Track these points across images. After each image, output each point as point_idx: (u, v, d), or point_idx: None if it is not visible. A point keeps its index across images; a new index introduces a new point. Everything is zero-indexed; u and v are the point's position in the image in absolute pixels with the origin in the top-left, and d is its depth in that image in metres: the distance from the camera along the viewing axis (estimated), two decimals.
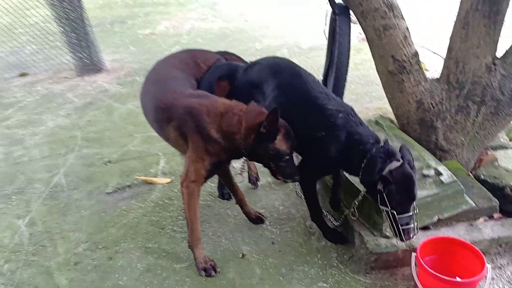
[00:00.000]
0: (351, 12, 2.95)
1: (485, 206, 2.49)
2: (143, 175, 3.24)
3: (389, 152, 2.10)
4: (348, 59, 2.92)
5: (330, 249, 2.50)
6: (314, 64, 4.94)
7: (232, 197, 2.77)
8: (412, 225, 2.09)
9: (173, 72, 2.60)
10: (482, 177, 2.67)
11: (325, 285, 2.29)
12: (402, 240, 2.11)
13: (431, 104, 2.83)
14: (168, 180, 3.17)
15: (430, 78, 2.93)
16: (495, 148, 3.02)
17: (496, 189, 2.58)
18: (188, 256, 2.49)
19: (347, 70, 2.93)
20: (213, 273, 2.35)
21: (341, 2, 2.96)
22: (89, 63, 5.14)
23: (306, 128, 2.25)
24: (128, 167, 3.35)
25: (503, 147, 3.02)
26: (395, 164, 2.07)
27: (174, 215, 2.83)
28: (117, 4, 8.60)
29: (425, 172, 2.51)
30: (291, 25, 6.64)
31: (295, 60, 5.31)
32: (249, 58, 5.10)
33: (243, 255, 2.49)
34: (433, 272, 2.01)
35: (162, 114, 2.39)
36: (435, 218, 2.40)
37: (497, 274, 2.31)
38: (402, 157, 2.11)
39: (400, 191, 2.04)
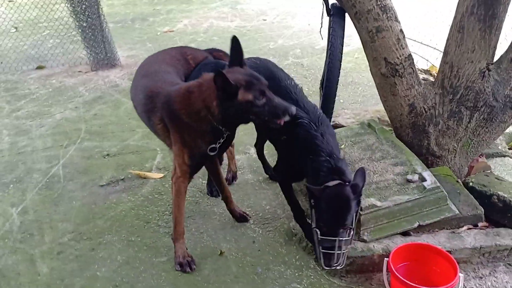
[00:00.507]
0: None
1: (469, 214, 2.43)
2: (138, 169, 3.30)
3: (334, 168, 2.05)
4: (340, 61, 2.89)
5: (310, 250, 2.48)
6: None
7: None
8: (336, 252, 2.00)
9: (163, 66, 2.63)
10: (470, 184, 2.60)
11: (299, 286, 2.28)
12: (322, 264, 2.07)
13: (424, 108, 2.77)
14: (161, 175, 3.22)
15: (425, 82, 2.87)
16: (492, 156, 2.94)
17: (483, 197, 2.51)
18: (168, 251, 2.53)
19: (338, 72, 2.89)
20: (188, 269, 2.38)
21: (336, 2, 2.94)
22: (103, 59, 5.26)
23: (274, 129, 2.25)
24: (124, 161, 3.42)
25: (500, 155, 2.94)
26: (333, 182, 2.01)
27: (161, 210, 2.87)
28: (141, 1, 8.75)
29: (409, 177, 2.47)
30: (309, 26, 6.61)
31: (306, 60, 5.40)
32: (262, 57, 5.16)
33: (221, 253, 2.51)
34: (402, 278, 1.98)
35: (148, 103, 2.41)
36: (416, 224, 2.36)
37: (477, 284, 2.25)
38: (351, 179, 2.05)
39: (327, 210, 1.99)
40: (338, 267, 2.08)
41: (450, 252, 2.25)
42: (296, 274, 2.35)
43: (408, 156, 2.64)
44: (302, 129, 2.12)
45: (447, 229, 2.42)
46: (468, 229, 2.40)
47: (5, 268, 2.47)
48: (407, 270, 2.16)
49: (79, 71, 5.16)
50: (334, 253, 1.99)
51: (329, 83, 2.87)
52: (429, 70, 4.72)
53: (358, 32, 2.86)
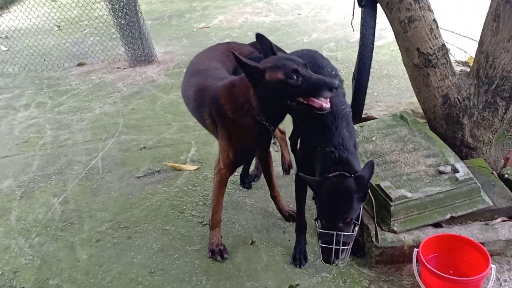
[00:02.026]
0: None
1: (504, 206, 2.37)
2: (173, 161, 3.40)
3: (339, 159, 1.99)
4: (372, 53, 2.88)
5: None
6: None
7: (253, 185, 2.83)
8: (334, 247, 1.93)
9: (213, 63, 2.65)
10: (506, 176, 2.54)
11: (328, 275, 2.31)
12: (321, 259, 2.01)
13: (458, 99, 2.72)
14: (195, 167, 3.31)
15: (459, 72, 2.81)
16: None
17: None
18: (201, 240, 2.61)
19: (370, 63, 2.88)
20: (219, 258, 2.44)
21: None
22: (141, 55, 5.40)
23: (299, 115, 2.27)
24: (160, 154, 3.52)
25: None
26: (335, 174, 1.95)
27: (195, 201, 2.96)
28: None
29: (441, 168, 2.43)
30: (344, 19, 6.55)
31: (340, 53, 5.37)
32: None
33: (252, 242, 2.57)
34: (432, 269, 1.97)
35: (198, 99, 2.43)
36: (448, 216, 2.33)
37: (511, 277, 2.20)
38: (357, 171, 1.97)
39: (326, 202, 1.94)
40: (340, 264, 2.02)
41: (483, 244, 2.21)
42: (326, 264, 2.36)
43: (441, 148, 2.60)
44: (318, 120, 2.11)
45: (480, 221, 2.38)
46: (502, 221, 2.35)
47: (47, 255, 2.62)
48: (437, 261, 2.15)
49: (118, 67, 5.33)
50: (332, 248, 1.92)
51: (360, 75, 2.87)
52: (467, 62, 4.60)
53: (390, 23, 2.84)
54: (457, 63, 4.71)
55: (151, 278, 2.40)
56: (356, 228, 2.01)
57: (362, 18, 2.90)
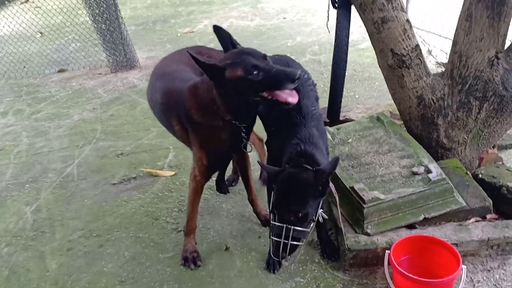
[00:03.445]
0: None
1: (477, 206, 2.36)
2: (150, 167, 3.35)
3: (303, 152, 1.95)
4: (346, 54, 2.86)
5: (315, 245, 2.46)
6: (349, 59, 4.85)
7: (231, 189, 2.77)
8: (282, 241, 1.87)
9: (180, 66, 2.56)
10: (480, 176, 2.52)
11: (302, 280, 2.27)
12: (271, 252, 1.95)
13: (432, 100, 2.71)
14: (172, 173, 3.26)
15: (434, 73, 2.80)
16: (505, 148, 2.85)
17: (493, 189, 2.42)
18: (174, 247, 2.56)
19: (345, 65, 2.86)
20: (192, 265, 2.39)
21: None
22: (122, 60, 5.35)
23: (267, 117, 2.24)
24: (137, 160, 3.47)
25: None
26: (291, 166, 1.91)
27: (170, 207, 2.91)
28: (163, 3, 8.83)
29: (415, 169, 2.42)
30: (329, 23, 6.56)
31: (323, 56, 5.35)
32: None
33: (226, 248, 2.52)
34: (403, 271, 1.94)
35: (165, 104, 2.35)
36: (421, 217, 2.31)
37: (484, 277, 2.18)
38: (319, 165, 1.93)
39: (280, 194, 1.89)
40: (289, 261, 1.97)
41: (456, 245, 2.20)
42: (300, 269, 2.33)
43: (416, 149, 2.58)
44: (287, 119, 2.08)
45: (454, 221, 2.36)
46: (476, 221, 2.33)
47: (16, 265, 2.55)
48: (409, 263, 2.12)
49: (99, 73, 5.27)
50: (280, 241, 1.86)
51: (335, 77, 2.85)
52: None
53: (364, 24, 2.82)
54: (438, 65, 4.72)
55: None
56: (312, 225, 1.96)
57: (336, 19, 2.88)
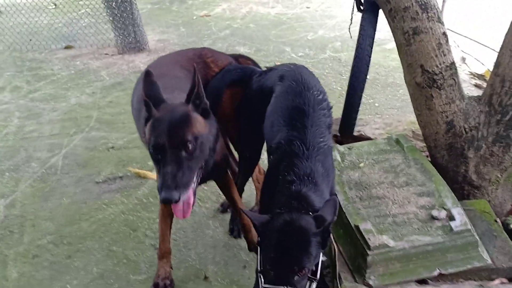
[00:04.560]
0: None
1: (504, 266, 1.98)
2: (140, 166, 3.05)
3: (297, 193, 1.59)
4: (368, 66, 2.48)
5: None
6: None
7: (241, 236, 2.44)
8: None
9: (175, 70, 2.26)
10: (511, 226, 2.13)
11: None
12: None
13: (464, 128, 2.31)
14: None
15: (469, 96, 2.40)
16: None
17: None
18: (148, 269, 2.27)
19: (365, 78, 2.48)
20: None
21: None
22: (131, 42, 5.05)
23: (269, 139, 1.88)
24: (128, 156, 3.17)
25: None
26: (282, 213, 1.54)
27: (153, 217, 2.60)
28: None
29: (435, 213, 2.04)
30: (356, 17, 6.12)
31: (344, 54, 4.92)
32: (297, 48, 4.75)
33: (205, 277, 2.20)
34: None
35: (138, 112, 2.06)
36: (436, 272, 1.94)
37: None
38: (314, 208, 1.58)
39: (272, 245, 1.49)
40: None
41: None
42: None
43: (438, 185, 2.20)
44: (289, 149, 1.72)
45: (474, 280, 1.99)
46: (501, 283, 1.96)
47: None
48: None
49: (106, 54, 4.98)
50: None
51: (352, 90, 2.48)
52: (484, 75, 4.17)
53: (392, 33, 2.44)
54: (472, 76, 4.28)
55: None
56: (314, 285, 1.59)
57: (360, 25, 2.49)
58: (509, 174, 2.33)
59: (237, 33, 5.25)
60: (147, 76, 1.80)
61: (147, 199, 2.75)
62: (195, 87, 1.77)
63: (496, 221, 2.18)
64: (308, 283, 1.55)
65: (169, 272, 2.16)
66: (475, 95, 2.43)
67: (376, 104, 3.80)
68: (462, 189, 2.38)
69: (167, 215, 2.10)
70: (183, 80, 2.18)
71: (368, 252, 1.92)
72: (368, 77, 4.08)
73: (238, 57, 2.52)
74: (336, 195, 1.84)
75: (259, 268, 1.55)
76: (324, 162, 1.71)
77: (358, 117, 3.07)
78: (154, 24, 5.76)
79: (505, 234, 2.11)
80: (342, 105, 2.85)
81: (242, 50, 4.74)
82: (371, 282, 1.93)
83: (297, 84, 1.94)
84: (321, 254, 1.58)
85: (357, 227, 2.01)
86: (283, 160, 1.69)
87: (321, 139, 1.76)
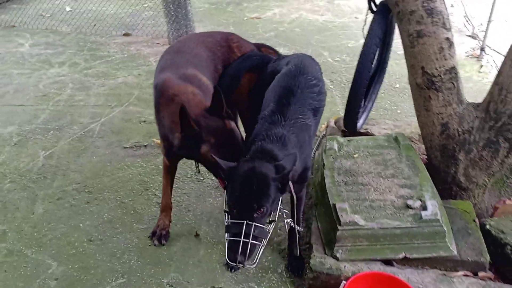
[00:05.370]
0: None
1: (470, 259, 2.06)
2: None
3: (264, 149, 1.80)
4: (371, 63, 2.64)
5: (285, 254, 2.32)
6: (403, 71, 4.53)
7: None
8: (242, 239, 1.67)
9: (198, 49, 2.49)
10: (487, 227, 2.20)
11: (255, 287, 2.15)
12: (226, 258, 1.72)
13: (458, 131, 2.42)
14: None
15: (468, 102, 2.49)
16: None
17: (497, 245, 2.12)
18: (150, 221, 2.55)
19: (368, 74, 2.64)
20: (156, 242, 2.38)
21: None
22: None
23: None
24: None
25: None
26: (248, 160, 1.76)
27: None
28: None
29: (409, 202, 2.16)
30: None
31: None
32: (335, 54, 4.92)
33: (196, 234, 2.46)
34: None
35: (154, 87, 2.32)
36: (401, 255, 2.07)
37: None
38: (277, 160, 1.77)
39: (237, 187, 1.70)
40: (247, 266, 1.74)
41: None
42: (259, 275, 2.22)
43: (422, 181, 2.32)
44: (269, 118, 1.94)
45: (439, 269, 2.09)
46: (464, 275, 2.05)
47: (9, 201, 2.70)
48: None
49: (157, 43, 5.39)
50: (240, 240, 1.66)
51: (355, 85, 2.63)
52: None
53: (400, 34, 2.58)
54: None
55: (87, 246, 2.39)
56: (272, 225, 1.81)
57: (370, 25, 2.66)
58: (497, 180, 2.39)
59: (281, 35, 5.50)
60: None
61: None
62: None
63: (474, 220, 2.26)
64: (267, 220, 1.77)
65: (168, 225, 2.44)
66: None
67: (398, 111, 3.90)
68: (451, 190, 2.47)
69: (169, 173, 2.39)
70: (203, 59, 2.44)
71: (339, 227, 2.09)
72: (397, 86, 4.26)
73: (260, 46, 2.77)
74: (308, 169, 2.05)
75: (224, 209, 1.79)
76: (298, 135, 1.92)
77: (370, 116, 3.22)
78: (207, 21, 6.14)
79: (480, 233, 2.19)
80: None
81: (282, 50, 4.96)
82: (338, 255, 2.10)
83: (296, 68, 2.18)
84: (280, 200, 1.79)
85: (334, 205, 2.18)
86: (263, 126, 1.92)
87: (301, 116, 1.97)
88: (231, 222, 1.72)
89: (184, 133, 1.96)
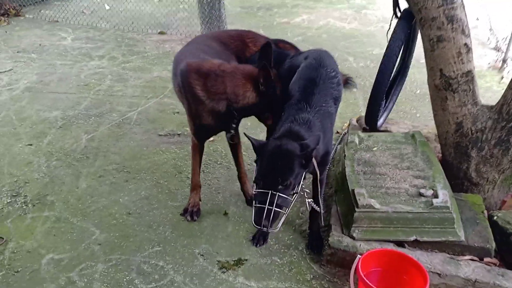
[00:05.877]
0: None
1: (476, 245, 2.24)
2: None
3: (292, 130, 2.04)
4: (394, 65, 2.83)
5: (305, 234, 2.54)
6: (425, 78, 4.71)
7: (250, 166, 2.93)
8: (267, 207, 1.90)
9: (214, 42, 2.69)
10: (494, 218, 2.38)
11: (278, 260, 2.37)
12: (253, 221, 1.96)
13: (471, 129, 2.60)
14: (211, 139, 3.48)
15: (482, 104, 2.67)
16: None
17: (503, 235, 2.29)
18: (183, 199, 2.80)
19: (390, 75, 2.84)
20: (189, 217, 2.62)
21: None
22: None
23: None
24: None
25: None
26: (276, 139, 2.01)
27: None
28: None
29: (422, 191, 2.36)
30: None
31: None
32: (360, 60, 5.14)
33: (225, 213, 2.69)
34: (365, 279, 1.95)
35: (175, 67, 2.54)
36: (412, 237, 2.26)
37: None
38: (303, 140, 2.00)
39: (265, 162, 1.95)
40: (270, 231, 1.97)
41: (439, 275, 2.14)
42: (282, 250, 2.43)
43: (435, 173, 2.51)
44: (295, 106, 2.18)
45: (448, 253, 2.27)
46: (470, 259, 2.23)
47: (56, 176, 2.98)
48: (379, 276, 2.11)
49: None
50: (264, 207, 1.89)
51: (377, 85, 2.83)
52: None
53: (421, 39, 2.78)
54: None
55: (126, 218, 2.64)
56: (295, 197, 2.03)
57: (394, 29, 2.86)
58: (507, 176, 2.56)
59: (308, 40, 5.73)
60: None
61: None
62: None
63: (483, 212, 2.44)
64: (290, 192, 2.00)
65: (198, 203, 2.68)
66: None
67: (418, 115, 4.07)
68: (462, 185, 2.65)
69: (198, 152, 2.63)
70: (215, 50, 2.62)
71: (356, 209, 2.30)
72: (418, 91, 4.43)
73: (278, 42, 2.96)
74: (329, 153, 2.27)
75: (253, 179, 2.03)
76: (322, 121, 2.16)
77: (390, 117, 3.42)
78: (238, 24, 6.39)
79: (487, 223, 2.37)
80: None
81: None
82: (354, 235, 2.30)
83: (316, 62, 2.41)
84: (303, 175, 2.03)
85: (353, 190, 2.39)
86: (290, 112, 2.16)
87: (324, 104, 2.20)
88: (258, 192, 1.96)
89: (266, 85, 2.27)
